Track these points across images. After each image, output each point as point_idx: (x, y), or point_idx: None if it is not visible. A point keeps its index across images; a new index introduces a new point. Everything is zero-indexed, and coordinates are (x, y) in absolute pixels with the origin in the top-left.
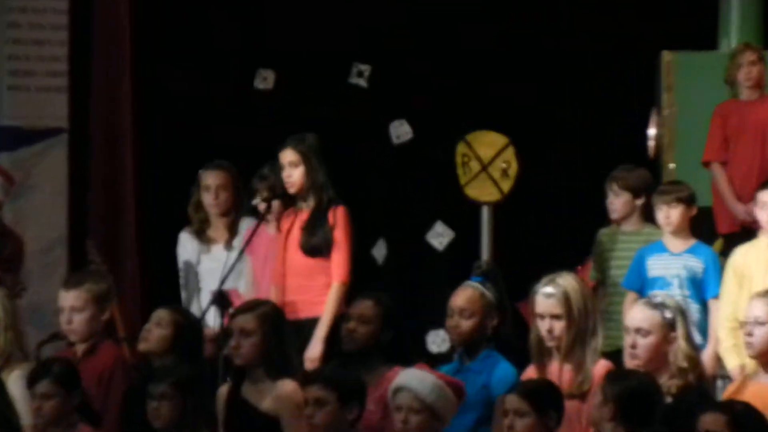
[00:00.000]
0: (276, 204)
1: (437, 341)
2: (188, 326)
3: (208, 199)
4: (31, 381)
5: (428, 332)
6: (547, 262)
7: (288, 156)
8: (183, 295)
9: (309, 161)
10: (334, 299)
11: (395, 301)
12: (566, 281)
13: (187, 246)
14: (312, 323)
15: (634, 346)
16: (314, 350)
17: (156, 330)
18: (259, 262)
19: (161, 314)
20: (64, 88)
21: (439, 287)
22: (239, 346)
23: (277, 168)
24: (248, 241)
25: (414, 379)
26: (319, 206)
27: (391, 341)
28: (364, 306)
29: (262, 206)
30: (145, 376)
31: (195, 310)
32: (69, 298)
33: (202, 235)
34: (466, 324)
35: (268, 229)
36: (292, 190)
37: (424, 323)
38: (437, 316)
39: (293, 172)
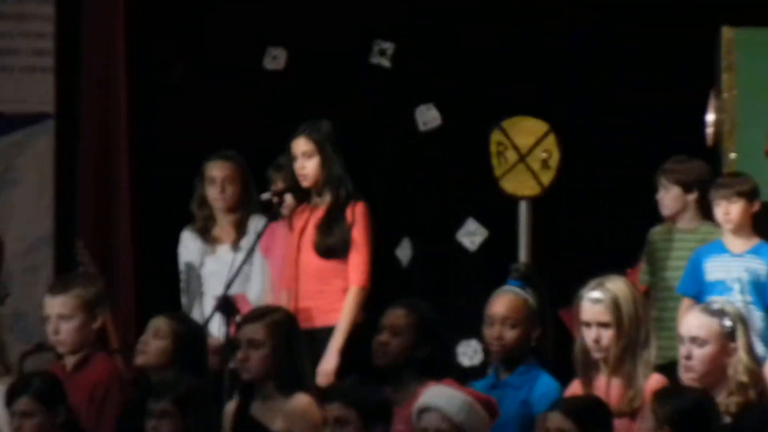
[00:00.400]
0: (288, 199)
1: (469, 353)
2: (189, 336)
3: (213, 193)
4: (10, 397)
5: (459, 343)
6: (591, 265)
7: (301, 145)
8: (184, 300)
9: (324, 151)
10: (351, 306)
11: (438, 311)
12: (616, 285)
13: (189, 246)
14: (327, 332)
15: (689, 357)
16: (329, 363)
17: (154, 341)
18: (276, 264)
19: (159, 323)
20: (50, 68)
21: (470, 293)
22: (247, 359)
23: (289, 159)
24: (259, 238)
25: (441, 397)
26: (336, 202)
27: (430, 356)
28: (396, 315)
29: (274, 200)
30: (142, 392)
31: (197, 317)
32: (55, 305)
33: (206, 233)
34: (510, 334)
35: (281, 226)
36: (305, 184)
37: (454, 333)
38: (469, 325)
39: (307, 163)
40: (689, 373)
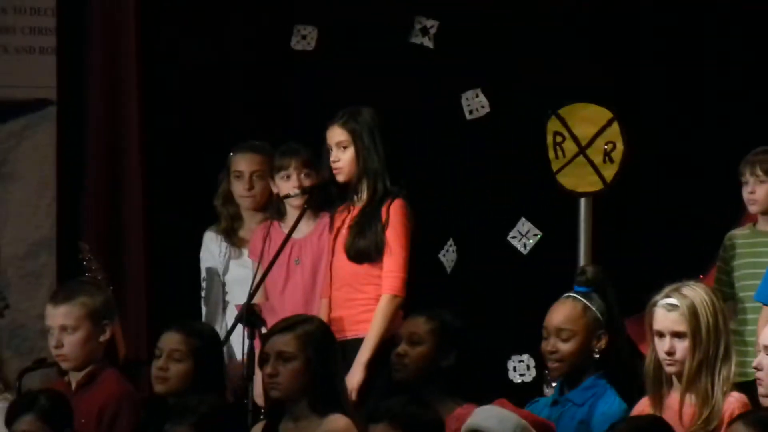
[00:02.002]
0: (294, 196)
1: (521, 369)
2: (208, 350)
3: (240, 189)
4: (11, 416)
5: (510, 358)
6: (658, 270)
7: (336, 135)
8: (204, 310)
9: (361, 142)
10: (380, 315)
11: (464, 317)
12: (694, 292)
13: (211, 249)
14: (358, 344)
15: (759, 368)
16: (353, 378)
17: (174, 366)
18: (274, 274)
19: (174, 343)
20: (51, 48)
21: (522, 301)
22: (276, 374)
23: (324, 151)
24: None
25: (491, 418)
26: (372, 199)
27: (455, 368)
28: (414, 323)
29: (297, 199)
30: (157, 414)
31: (220, 330)
32: (58, 316)
33: (231, 235)
34: (565, 348)
35: (282, 228)
36: (340, 178)
37: (505, 346)
38: (522, 337)
39: (342, 155)
40: (761, 388)
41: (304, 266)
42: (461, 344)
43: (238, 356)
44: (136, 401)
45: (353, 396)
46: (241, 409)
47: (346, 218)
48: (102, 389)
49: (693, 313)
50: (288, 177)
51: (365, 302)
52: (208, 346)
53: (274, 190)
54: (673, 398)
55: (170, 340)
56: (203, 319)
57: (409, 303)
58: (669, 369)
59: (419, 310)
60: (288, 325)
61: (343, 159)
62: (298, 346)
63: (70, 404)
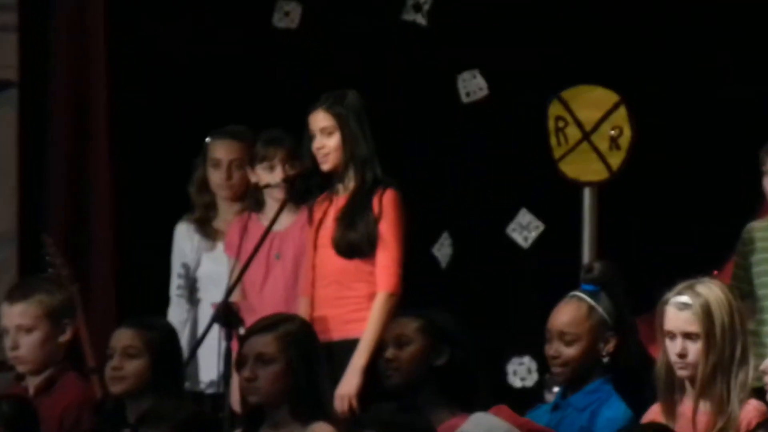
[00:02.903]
0: (274, 185)
1: (522, 372)
2: (164, 343)
3: (217, 178)
4: None
5: (509, 360)
6: (668, 266)
7: (320, 120)
8: (172, 310)
9: (348, 127)
10: (377, 316)
11: (455, 313)
12: (708, 290)
13: (184, 242)
14: (346, 347)
15: None
16: (349, 384)
17: (129, 364)
18: (252, 270)
19: (126, 339)
20: (12, 26)
21: (523, 299)
22: (255, 377)
23: (306, 138)
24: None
25: (480, 426)
26: (361, 188)
27: (449, 368)
28: (399, 325)
29: (278, 189)
30: (113, 417)
31: (190, 330)
32: (14, 315)
33: (205, 226)
34: (568, 352)
35: (261, 220)
36: (325, 167)
37: (504, 348)
38: (523, 338)
39: (327, 141)
40: None
41: (285, 261)
42: (454, 341)
43: (214, 359)
44: (99, 406)
45: (354, 403)
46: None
47: (328, 209)
48: (62, 395)
49: (707, 313)
50: (272, 168)
51: (355, 301)
52: (163, 339)
53: (253, 179)
54: (686, 405)
55: (122, 337)
56: (169, 317)
57: (403, 302)
58: (681, 373)
59: (406, 312)
60: (268, 324)
61: (328, 146)
62: (279, 347)
63: (35, 411)
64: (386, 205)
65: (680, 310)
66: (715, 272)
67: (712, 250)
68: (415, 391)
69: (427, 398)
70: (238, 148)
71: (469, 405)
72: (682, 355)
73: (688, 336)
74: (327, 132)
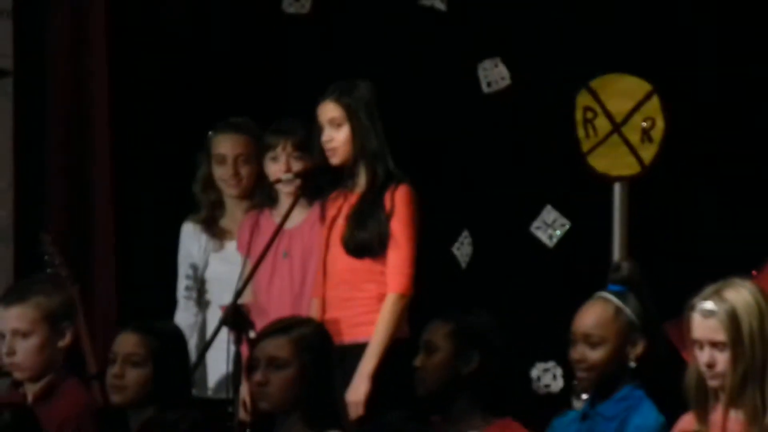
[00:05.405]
0: (285, 181)
1: (547, 378)
2: (170, 352)
3: (222, 174)
4: None
5: (534, 365)
6: (703, 266)
7: (328, 111)
8: (180, 314)
9: (358, 119)
10: (387, 318)
11: (488, 316)
12: (736, 294)
13: (191, 242)
14: (357, 350)
15: None
16: (357, 391)
17: (131, 372)
18: (259, 269)
19: (129, 346)
20: (7, 12)
21: (548, 301)
22: (267, 382)
23: (315, 130)
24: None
25: None
26: (372, 185)
27: (479, 375)
28: (430, 330)
29: (289, 184)
30: (114, 429)
31: (198, 333)
32: (10, 318)
33: (212, 225)
34: (593, 356)
35: (274, 216)
36: (334, 161)
37: (527, 353)
38: (547, 342)
39: (335, 134)
40: None
41: (292, 260)
42: (485, 347)
43: (223, 364)
44: (102, 416)
45: (360, 410)
46: (223, 426)
47: (341, 207)
48: (62, 402)
49: (732, 320)
50: (275, 159)
51: (366, 302)
52: (169, 347)
53: (267, 173)
54: (718, 414)
55: (126, 343)
56: (176, 321)
57: (417, 304)
58: (712, 383)
59: (436, 314)
60: (281, 327)
61: (336, 138)
62: (293, 351)
63: (37, 420)
64: (398, 201)
65: (705, 317)
66: (754, 273)
67: (750, 249)
68: (448, 401)
69: (459, 407)
70: (244, 142)
71: (503, 413)
72: (711, 365)
73: (714, 345)
74: (336, 123)
